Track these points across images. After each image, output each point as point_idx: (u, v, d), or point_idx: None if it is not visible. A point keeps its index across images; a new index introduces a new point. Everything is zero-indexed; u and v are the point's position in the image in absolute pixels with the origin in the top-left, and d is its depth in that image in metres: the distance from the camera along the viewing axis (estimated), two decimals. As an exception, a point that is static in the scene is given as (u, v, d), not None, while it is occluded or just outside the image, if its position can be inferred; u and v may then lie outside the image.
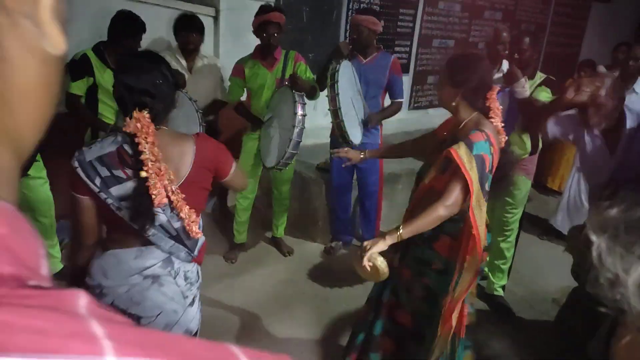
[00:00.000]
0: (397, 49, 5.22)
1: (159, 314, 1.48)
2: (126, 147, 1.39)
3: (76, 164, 1.38)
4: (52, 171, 2.73)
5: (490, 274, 3.10)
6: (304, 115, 2.74)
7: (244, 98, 3.27)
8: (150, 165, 1.35)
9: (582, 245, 2.32)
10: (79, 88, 2.75)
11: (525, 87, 2.58)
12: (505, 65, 3.75)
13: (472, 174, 1.67)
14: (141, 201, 1.36)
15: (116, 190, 1.38)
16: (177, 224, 1.46)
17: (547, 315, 3.00)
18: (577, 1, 7.94)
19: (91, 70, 2.74)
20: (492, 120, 1.86)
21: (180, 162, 1.46)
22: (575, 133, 2.30)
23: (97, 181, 1.37)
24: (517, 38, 2.85)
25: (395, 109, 3.27)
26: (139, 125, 1.35)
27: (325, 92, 3.08)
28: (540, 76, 2.85)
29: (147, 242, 1.45)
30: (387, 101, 3.34)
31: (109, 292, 1.46)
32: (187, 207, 1.43)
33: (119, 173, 1.38)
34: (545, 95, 2.68)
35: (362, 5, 4.71)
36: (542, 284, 3.35)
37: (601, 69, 4.98)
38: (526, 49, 2.77)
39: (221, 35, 3.83)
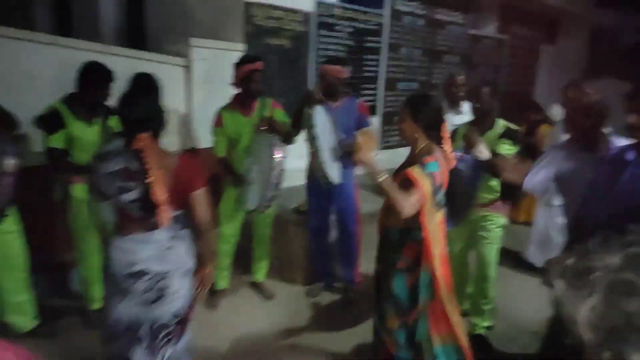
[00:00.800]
0: (364, 92, 5.40)
1: (178, 268, 1.96)
2: (132, 163, 1.82)
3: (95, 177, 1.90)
4: (25, 224, 2.65)
5: (472, 315, 3.09)
6: (282, 157, 2.79)
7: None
8: (153, 173, 1.79)
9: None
10: (57, 141, 2.66)
11: (484, 151, 2.69)
12: (465, 106, 3.96)
13: (425, 187, 2.04)
14: (147, 200, 1.81)
15: (127, 196, 1.83)
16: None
17: (529, 349, 3.03)
18: (528, 43, 8.48)
19: (63, 123, 2.68)
20: (443, 147, 2.21)
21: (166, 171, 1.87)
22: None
23: (112, 190, 1.85)
24: (476, 88, 2.92)
25: None
26: (141, 144, 1.81)
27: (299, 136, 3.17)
28: (501, 126, 2.91)
29: (153, 227, 1.90)
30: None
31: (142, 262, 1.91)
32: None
33: (127, 185, 1.83)
34: (506, 148, 2.78)
35: (328, 52, 4.89)
36: (519, 317, 3.40)
37: (555, 108, 5.28)
38: (486, 99, 2.86)
39: (193, 85, 3.89)
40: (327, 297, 3.55)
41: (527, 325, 3.28)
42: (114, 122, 2.91)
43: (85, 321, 3.00)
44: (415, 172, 2.06)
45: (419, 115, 2.14)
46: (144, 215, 1.86)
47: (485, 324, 3.06)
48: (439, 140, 2.20)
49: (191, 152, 1.99)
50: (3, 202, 2.14)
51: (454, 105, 4.04)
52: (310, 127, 2.82)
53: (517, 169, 2.43)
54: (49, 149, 2.66)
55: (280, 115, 3.13)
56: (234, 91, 3.08)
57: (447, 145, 2.24)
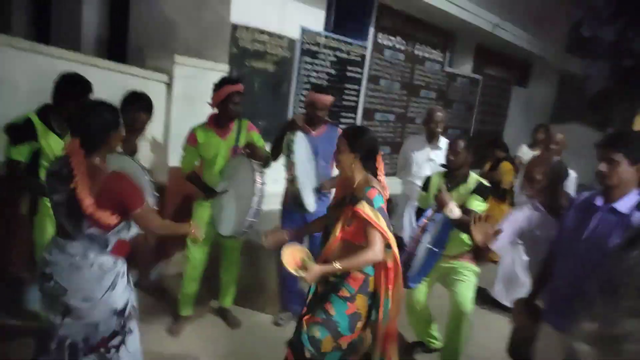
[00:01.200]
0: (343, 120, 5.46)
1: (80, 291, 1.96)
2: (63, 167, 1.91)
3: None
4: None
5: (443, 353, 3.08)
6: (263, 184, 2.76)
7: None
8: (77, 179, 1.85)
9: (523, 319, 2.44)
10: (19, 153, 2.55)
11: (455, 211, 2.76)
12: (442, 142, 4.04)
13: (381, 224, 2.10)
14: (71, 205, 1.89)
15: (55, 197, 1.96)
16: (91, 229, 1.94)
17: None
18: (501, 84, 8.80)
19: (34, 135, 2.56)
20: (379, 177, 2.29)
21: (95, 187, 1.90)
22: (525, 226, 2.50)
23: (48, 189, 1.99)
24: (452, 142, 3.02)
25: None
26: (68, 149, 1.91)
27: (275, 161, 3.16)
28: (474, 181, 2.98)
29: (69, 236, 1.96)
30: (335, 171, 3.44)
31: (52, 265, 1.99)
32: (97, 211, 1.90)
33: (56, 186, 1.95)
34: (476, 204, 2.86)
35: (310, 78, 4.95)
36: (487, 354, 3.42)
37: (524, 148, 5.47)
38: (460, 152, 2.95)
39: (173, 102, 3.84)
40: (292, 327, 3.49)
41: (493, 362, 3.30)
42: None
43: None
44: (367, 210, 2.10)
45: (356, 146, 2.20)
46: (66, 221, 1.95)
47: None
48: (374, 172, 2.27)
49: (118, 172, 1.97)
50: None
51: (432, 140, 4.10)
52: (289, 153, 2.82)
53: (483, 229, 2.49)
54: (9, 160, 2.55)
55: (256, 138, 3.12)
56: (212, 111, 3.05)
57: (382, 176, 2.31)
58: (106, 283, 1.99)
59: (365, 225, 2.12)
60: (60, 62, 3.10)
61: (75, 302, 1.95)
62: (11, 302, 3.13)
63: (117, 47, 5.05)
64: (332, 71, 5.20)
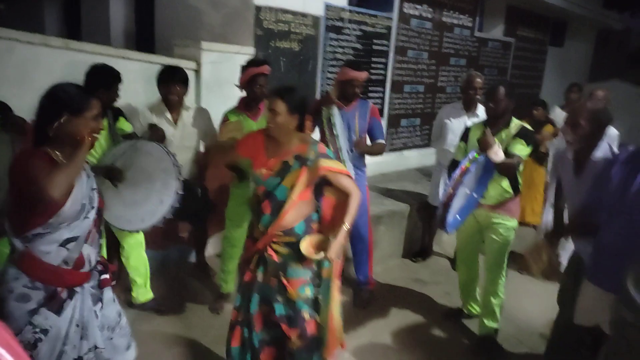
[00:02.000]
0: (371, 94, 5.42)
1: None
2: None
3: None
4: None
5: (483, 316, 3.10)
6: None
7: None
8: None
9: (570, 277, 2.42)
10: None
11: (499, 153, 2.68)
12: (480, 109, 3.92)
13: (342, 169, 2.26)
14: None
15: None
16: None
17: (537, 350, 3.04)
18: (535, 46, 8.47)
19: None
20: (307, 131, 2.32)
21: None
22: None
23: None
24: (492, 88, 2.91)
25: (379, 148, 3.38)
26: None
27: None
28: (515, 125, 2.90)
29: None
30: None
31: None
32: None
33: None
34: (519, 148, 2.76)
35: (336, 55, 4.92)
36: (527, 319, 3.41)
37: (557, 110, 5.28)
38: (501, 99, 2.85)
39: (203, 88, 3.92)
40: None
41: (534, 327, 3.29)
42: (122, 124, 2.94)
43: None
44: (332, 164, 2.20)
45: (295, 108, 2.15)
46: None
47: (495, 325, 3.06)
48: (302, 129, 2.26)
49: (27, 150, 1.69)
50: None
51: (470, 108, 3.95)
52: (331, 126, 2.84)
53: (540, 260, 2.32)
54: None
55: None
56: (242, 94, 3.11)
57: (309, 130, 2.35)
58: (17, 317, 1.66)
59: (336, 176, 2.22)
60: (91, 56, 3.21)
61: None
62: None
63: (145, 38, 5.16)
64: (358, 46, 5.15)
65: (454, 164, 3.13)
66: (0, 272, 1.67)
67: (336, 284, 2.31)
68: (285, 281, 2.23)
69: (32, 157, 1.60)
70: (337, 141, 2.84)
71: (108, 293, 1.91)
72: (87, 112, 1.67)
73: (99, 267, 1.87)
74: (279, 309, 2.25)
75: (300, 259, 2.20)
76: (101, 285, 1.86)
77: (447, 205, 2.61)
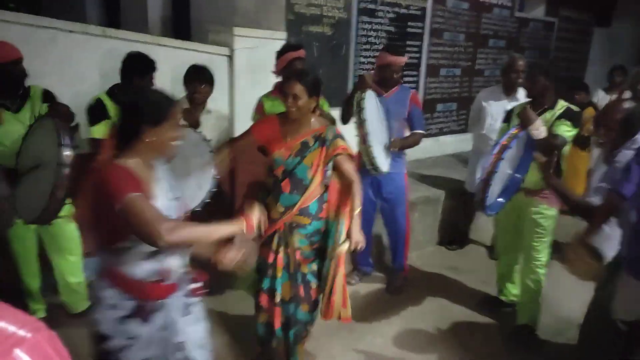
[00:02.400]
0: (405, 79, 5.32)
1: None
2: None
3: None
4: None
5: (521, 305, 3.03)
6: None
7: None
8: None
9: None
10: (99, 132, 2.73)
11: (541, 129, 2.57)
12: (521, 93, 3.78)
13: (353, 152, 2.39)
14: None
15: None
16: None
17: (575, 341, 2.94)
18: (579, 26, 8.09)
19: (107, 114, 2.74)
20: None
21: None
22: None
23: None
24: (530, 67, 2.83)
25: (416, 139, 3.30)
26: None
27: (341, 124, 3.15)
28: (561, 106, 2.79)
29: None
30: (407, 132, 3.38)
31: None
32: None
33: None
34: (564, 129, 2.64)
35: (369, 38, 4.84)
36: (567, 309, 3.31)
37: (600, 93, 5.04)
38: (538, 79, 2.74)
39: (236, 74, 3.94)
40: (363, 286, 3.57)
41: (574, 318, 3.18)
42: None
43: None
44: (347, 145, 2.31)
45: (311, 89, 2.21)
46: None
47: (534, 314, 2.99)
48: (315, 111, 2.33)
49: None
50: (63, 193, 2.25)
51: (511, 91, 3.81)
52: (359, 110, 2.81)
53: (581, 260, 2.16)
54: (90, 139, 2.76)
55: (321, 102, 3.12)
56: (276, 79, 3.10)
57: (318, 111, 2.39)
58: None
59: (344, 160, 2.29)
60: (128, 43, 3.27)
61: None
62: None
63: (181, 25, 5.22)
64: (392, 29, 5.05)
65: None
66: (93, 280, 1.68)
67: (342, 266, 2.33)
68: (300, 258, 2.35)
69: (120, 178, 1.50)
70: (365, 126, 2.78)
71: (197, 305, 1.81)
72: (168, 122, 1.59)
73: (189, 277, 1.78)
74: (296, 279, 2.36)
75: (312, 244, 2.35)
76: (191, 294, 1.78)
77: (486, 183, 2.51)
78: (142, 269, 1.60)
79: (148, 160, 1.62)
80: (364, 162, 2.91)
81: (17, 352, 0.46)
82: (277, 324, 2.39)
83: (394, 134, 3.18)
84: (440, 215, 4.40)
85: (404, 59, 3.18)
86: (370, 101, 2.93)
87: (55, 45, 3.06)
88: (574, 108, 2.79)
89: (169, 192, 1.69)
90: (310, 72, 2.30)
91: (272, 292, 2.37)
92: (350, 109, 3.01)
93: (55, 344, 0.49)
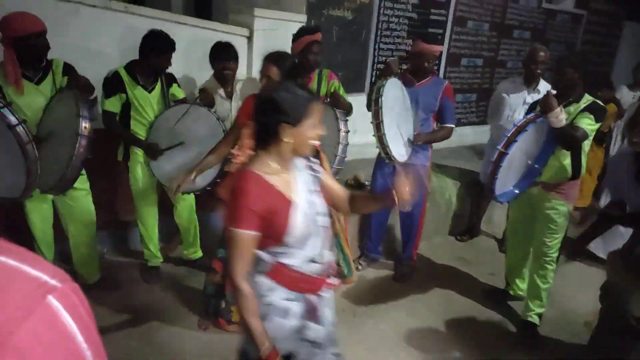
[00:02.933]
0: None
1: None
2: None
3: None
4: (92, 184, 2.86)
5: (529, 298, 3.02)
6: (347, 132, 2.80)
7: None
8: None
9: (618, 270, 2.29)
10: (112, 105, 2.81)
11: (560, 117, 2.49)
12: (542, 85, 3.71)
13: None
14: None
15: None
16: None
17: (578, 338, 2.94)
18: (609, 20, 7.85)
19: (123, 88, 2.80)
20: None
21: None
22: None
23: None
24: (559, 58, 2.72)
25: (444, 133, 3.23)
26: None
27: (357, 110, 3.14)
28: (586, 100, 2.70)
29: None
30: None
31: None
32: None
33: None
34: (586, 122, 2.56)
35: (391, 24, 4.79)
36: (573, 305, 3.30)
37: (624, 89, 4.91)
38: (566, 70, 2.64)
39: (255, 55, 3.95)
40: (370, 271, 3.60)
41: (579, 315, 3.17)
42: (175, 90, 3.03)
43: (143, 276, 3.22)
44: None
45: (287, 71, 2.28)
46: None
47: (540, 310, 2.97)
48: None
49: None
50: (79, 163, 2.32)
51: (531, 83, 3.72)
52: (377, 97, 2.77)
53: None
54: (103, 111, 2.82)
55: (337, 86, 3.12)
56: None
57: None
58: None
59: None
60: (150, 20, 3.30)
61: None
62: (119, 242, 3.55)
63: (203, 4, 5.23)
64: (414, 15, 4.98)
65: None
66: (250, 284, 1.52)
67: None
68: None
69: (240, 205, 1.43)
70: (380, 114, 2.75)
71: (330, 299, 1.76)
72: (307, 120, 1.48)
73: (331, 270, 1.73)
74: None
75: None
76: (329, 287, 1.72)
77: (496, 166, 2.46)
78: (303, 264, 1.55)
79: (287, 159, 1.53)
80: (379, 148, 2.90)
81: (50, 298, 0.49)
82: (228, 290, 2.47)
83: (419, 125, 3.13)
84: (454, 205, 4.38)
85: (438, 48, 3.09)
86: (393, 89, 2.87)
87: (78, 19, 3.10)
88: (600, 103, 2.70)
89: (309, 184, 1.61)
90: (288, 56, 2.32)
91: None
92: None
93: (79, 295, 0.53)
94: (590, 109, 2.62)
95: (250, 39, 3.93)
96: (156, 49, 2.80)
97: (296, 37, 3.01)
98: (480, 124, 6.05)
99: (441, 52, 5.40)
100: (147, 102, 2.87)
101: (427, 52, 3.05)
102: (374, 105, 2.78)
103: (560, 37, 6.93)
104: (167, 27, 3.00)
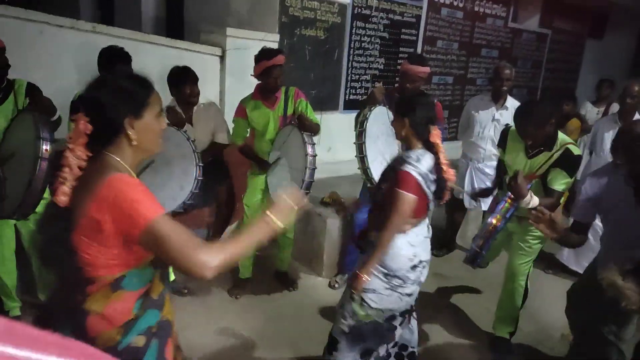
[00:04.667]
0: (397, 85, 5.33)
1: None
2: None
3: None
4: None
5: (497, 320, 2.99)
6: (314, 156, 2.77)
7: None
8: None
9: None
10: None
11: (533, 202, 2.39)
12: (509, 101, 3.78)
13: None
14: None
15: None
16: None
17: (555, 351, 2.95)
18: (572, 38, 8.16)
19: None
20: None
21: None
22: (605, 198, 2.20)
23: None
24: (540, 119, 2.50)
25: None
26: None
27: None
28: (559, 146, 2.53)
29: None
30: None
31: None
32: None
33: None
34: (561, 181, 2.48)
35: (363, 43, 4.85)
36: (549, 319, 3.31)
37: (587, 105, 5.08)
38: (547, 130, 2.50)
39: (227, 75, 3.93)
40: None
41: (555, 328, 3.19)
42: None
43: None
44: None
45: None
46: None
47: (510, 329, 2.96)
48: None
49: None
50: (40, 186, 2.23)
51: (499, 100, 3.79)
52: (360, 131, 2.72)
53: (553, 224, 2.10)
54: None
55: (304, 106, 3.09)
56: (257, 82, 3.08)
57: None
58: None
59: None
60: (119, 41, 3.25)
61: None
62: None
63: (174, 24, 5.21)
64: (386, 35, 5.07)
65: (484, 192, 3.07)
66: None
67: None
68: None
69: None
70: (364, 147, 2.68)
71: None
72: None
73: None
74: None
75: None
76: None
77: (481, 249, 2.53)
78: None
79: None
80: (363, 178, 2.86)
81: None
82: None
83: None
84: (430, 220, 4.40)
85: (423, 69, 3.06)
86: (377, 119, 2.82)
87: (44, 40, 3.04)
88: (574, 150, 2.54)
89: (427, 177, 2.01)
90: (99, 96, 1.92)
91: None
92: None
93: None
94: (564, 162, 2.49)
95: (222, 58, 3.92)
96: (113, 64, 2.74)
97: (256, 60, 2.98)
98: (453, 140, 6.14)
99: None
100: None
101: (411, 72, 3.05)
102: (357, 139, 2.75)
103: (526, 55, 7.16)
104: (137, 47, 2.97)
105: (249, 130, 3.16)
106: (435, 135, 2.13)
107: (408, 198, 1.98)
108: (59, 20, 3.09)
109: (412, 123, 2.08)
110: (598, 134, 4.07)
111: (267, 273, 3.65)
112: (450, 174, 2.13)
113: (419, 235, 2.14)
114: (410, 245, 2.10)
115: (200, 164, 2.65)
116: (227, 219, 3.73)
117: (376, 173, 2.77)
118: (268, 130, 3.08)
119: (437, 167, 2.10)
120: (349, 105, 4.84)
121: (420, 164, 2.02)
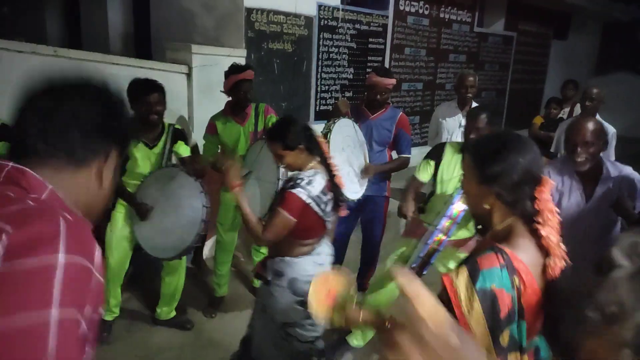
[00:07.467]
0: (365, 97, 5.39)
1: None
2: None
3: None
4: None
5: None
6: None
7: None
8: None
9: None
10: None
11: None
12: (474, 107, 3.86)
13: (470, 319, 1.09)
14: None
15: None
16: None
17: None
18: (537, 39, 8.37)
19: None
20: (541, 231, 1.17)
21: None
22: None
23: None
24: (472, 114, 2.56)
25: (399, 163, 3.23)
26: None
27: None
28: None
29: None
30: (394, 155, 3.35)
31: None
32: None
33: None
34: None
35: (331, 54, 4.90)
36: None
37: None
38: (483, 128, 2.47)
39: (194, 92, 3.93)
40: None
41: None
42: (179, 148, 2.90)
43: None
44: (458, 283, 1.71)
45: (493, 173, 1.22)
46: None
47: None
48: (533, 215, 1.30)
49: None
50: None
51: (464, 106, 3.82)
52: (326, 143, 2.68)
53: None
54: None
55: (274, 121, 3.10)
56: (227, 99, 3.09)
57: (551, 228, 1.90)
58: None
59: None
60: (87, 64, 3.24)
61: None
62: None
63: (142, 42, 5.20)
64: (353, 45, 5.13)
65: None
66: None
67: None
68: None
69: None
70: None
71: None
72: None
73: None
74: None
75: None
76: None
77: (426, 263, 2.53)
78: None
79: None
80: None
81: None
82: None
83: (375, 157, 3.12)
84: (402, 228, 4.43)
85: (391, 81, 3.09)
86: (342, 131, 2.85)
87: (1, 66, 3.00)
88: None
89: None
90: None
91: None
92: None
93: None
94: None
95: (189, 75, 3.92)
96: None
97: (225, 76, 3.01)
98: (424, 145, 6.22)
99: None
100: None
101: (380, 85, 3.06)
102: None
103: (493, 58, 7.32)
104: (102, 69, 2.95)
105: (219, 147, 3.16)
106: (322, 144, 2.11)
107: (284, 218, 1.92)
108: (17, 46, 3.05)
109: (286, 147, 1.99)
110: (563, 136, 4.16)
111: (243, 289, 3.63)
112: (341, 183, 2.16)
113: (322, 254, 2.14)
114: (317, 265, 2.08)
115: (208, 206, 2.68)
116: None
117: (347, 183, 2.80)
118: (238, 146, 3.08)
119: (331, 182, 2.06)
120: (320, 116, 4.88)
121: (312, 187, 1.94)
